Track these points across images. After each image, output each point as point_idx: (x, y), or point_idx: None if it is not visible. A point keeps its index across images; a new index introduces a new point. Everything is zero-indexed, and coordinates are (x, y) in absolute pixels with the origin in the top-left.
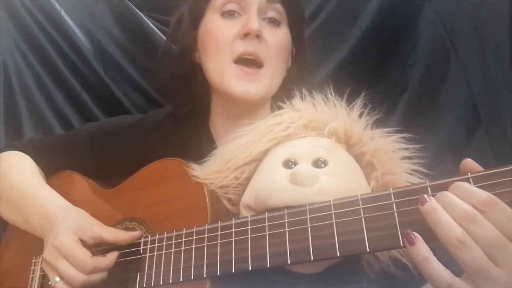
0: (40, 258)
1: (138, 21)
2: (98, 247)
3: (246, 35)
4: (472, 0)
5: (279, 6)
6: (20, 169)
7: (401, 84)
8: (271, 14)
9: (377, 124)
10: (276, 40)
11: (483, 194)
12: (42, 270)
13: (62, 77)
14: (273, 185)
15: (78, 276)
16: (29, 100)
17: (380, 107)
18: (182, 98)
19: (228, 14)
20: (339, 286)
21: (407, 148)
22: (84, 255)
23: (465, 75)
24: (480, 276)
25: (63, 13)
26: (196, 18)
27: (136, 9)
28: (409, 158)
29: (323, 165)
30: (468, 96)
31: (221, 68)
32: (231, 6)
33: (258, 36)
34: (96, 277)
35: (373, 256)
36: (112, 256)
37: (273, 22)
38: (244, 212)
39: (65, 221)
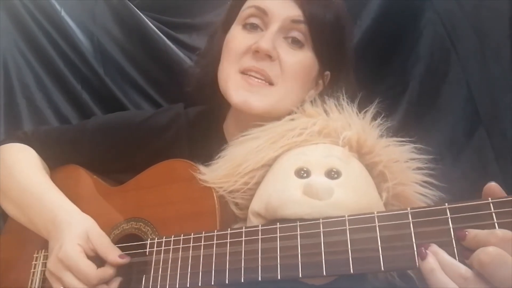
0: (42, 253)
1: (138, 21)
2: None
3: (255, 53)
4: (473, 0)
5: (303, 27)
6: (25, 164)
7: (401, 84)
8: (295, 34)
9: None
10: (294, 62)
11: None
12: (43, 265)
13: (62, 77)
14: (286, 195)
15: None
16: (29, 100)
17: (380, 107)
18: (208, 101)
19: (250, 27)
20: None
21: (419, 159)
22: (89, 268)
23: (465, 75)
24: None
25: (63, 13)
26: (226, 28)
27: (136, 9)
28: (420, 168)
29: (336, 176)
30: (468, 96)
31: (226, 76)
32: (253, 20)
33: (269, 56)
34: None
35: None
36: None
37: (296, 42)
38: (252, 219)
39: (70, 229)
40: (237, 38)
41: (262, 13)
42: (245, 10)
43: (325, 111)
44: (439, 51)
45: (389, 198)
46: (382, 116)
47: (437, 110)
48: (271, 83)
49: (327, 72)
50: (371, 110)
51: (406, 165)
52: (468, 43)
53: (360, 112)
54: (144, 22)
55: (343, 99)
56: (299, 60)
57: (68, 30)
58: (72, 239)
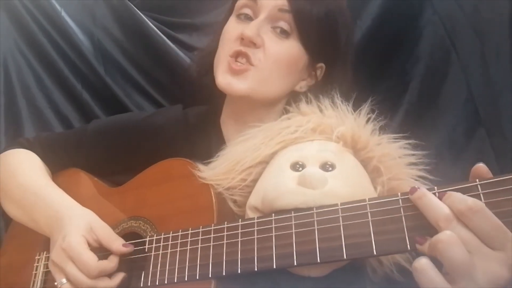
0: (44, 255)
1: (138, 21)
2: (103, 251)
3: (241, 40)
4: (473, 0)
5: (289, 16)
6: (27, 167)
7: (401, 84)
8: (281, 24)
9: (380, 126)
10: (278, 50)
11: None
12: (45, 266)
13: (63, 77)
14: (281, 187)
15: (85, 281)
16: (29, 100)
17: (380, 107)
18: (205, 92)
19: (244, 17)
20: None
21: (413, 154)
22: (90, 259)
23: (465, 75)
24: (461, 274)
25: (63, 13)
26: (225, 21)
27: (136, 9)
28: (415, 164)
29: (330, 169)
30: (468, 96)
31: (218, 61)
32: (246, 10)
33: (254, 43)
34: (103, 283)
35: (377, 261)
36: (114, 259)
37: (283, 33)
38: (250, 214)
39: (72, 221)
40: (230, 28)
41: (253, 2)
42: (239, 1)
43: (320, 110)
44: (439, 51)
45: (384, 192)
46: (376, 113)
47: (437, 110)
48: (251, 65)
49: (321, 64)
50: (366, 107)
51: (400, 161)
52: (468, 43)
53: (355, 112)
54: (144, 22)
55: (337, 97)
56: (284, 48)
57: (68, 30)
58: (76, 230)
